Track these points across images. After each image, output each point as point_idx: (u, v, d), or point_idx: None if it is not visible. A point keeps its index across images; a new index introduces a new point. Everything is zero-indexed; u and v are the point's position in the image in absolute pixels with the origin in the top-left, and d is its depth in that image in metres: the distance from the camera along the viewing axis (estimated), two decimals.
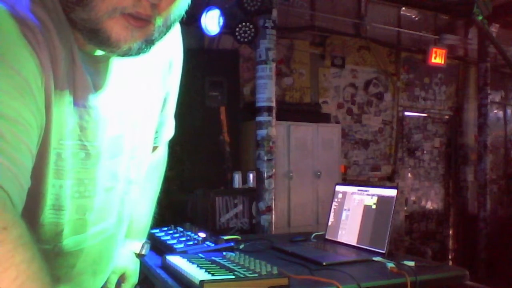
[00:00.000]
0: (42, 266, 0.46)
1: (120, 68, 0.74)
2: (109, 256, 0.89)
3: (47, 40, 0.59)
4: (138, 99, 0.80)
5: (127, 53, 0.64)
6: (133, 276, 1.15)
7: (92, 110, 0.69)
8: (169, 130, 1.04)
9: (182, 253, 1.67)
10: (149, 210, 1.18)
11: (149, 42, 0.66)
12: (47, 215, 0.68)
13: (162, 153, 1.17)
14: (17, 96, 0.53)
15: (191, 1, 0.71)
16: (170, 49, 0.87)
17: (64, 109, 0.63)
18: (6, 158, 0.49)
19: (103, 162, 0.74)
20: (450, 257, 7.03)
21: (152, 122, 0.87)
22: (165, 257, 1.60)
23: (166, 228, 2.09)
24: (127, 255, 1.11)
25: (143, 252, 1.15)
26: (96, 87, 0.69)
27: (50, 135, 0.62)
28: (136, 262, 1.16)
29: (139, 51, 0.65)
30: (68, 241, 0.73)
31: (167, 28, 0.67)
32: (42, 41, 0.58)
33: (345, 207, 2.12)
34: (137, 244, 1.14)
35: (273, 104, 4.00)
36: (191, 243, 1.81)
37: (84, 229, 0.76)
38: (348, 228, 2.06)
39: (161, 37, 0.67)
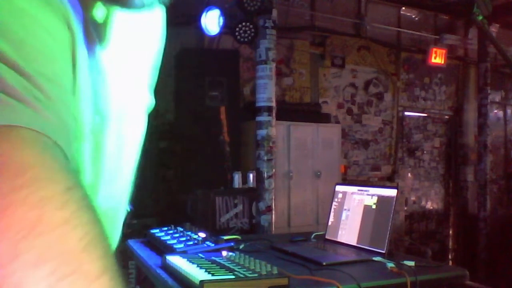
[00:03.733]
0: (103, 228, 0.45)
1: (115, 33, 0.75)
2: (119, 223, 0.89)
3: (70, 2, 0.59)
4: (132, 63, 0.81)
5: (138, 5, 0.65)
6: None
7: (103, 74, 0.70)
8: (148, 100, 1.07)
9: (182, 253, 1.67)
10: (131, 177, 1.20)
11: None
12: None
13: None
14: (53, 58, 0.52)
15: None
16: (153, 24, 0.90)
17: (83, 71, 0.64)
18: (58, 119, 0.47)
19: (111, 126, 0.75)
20: (450, 257, 7.03)
21: (143, 88, 0.89)
22: (165, 257, 1.60)
23: (166, 228, 2.09)
24: None
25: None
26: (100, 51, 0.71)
27: (76, 97, 0.62)
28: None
29: (151, 4, 0.66)
30: None
31: None
32: (66, 1, 0.57)
33: (345, 207, 2.12)
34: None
35: (273, 104, 4.00)
36: (191, 243, 1.82)
37: (96, 192, 0.76)
38: (348, 228, 2.06)
39: None
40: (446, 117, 7.08)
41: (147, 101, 0.97)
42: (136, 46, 0.84)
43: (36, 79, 0.47)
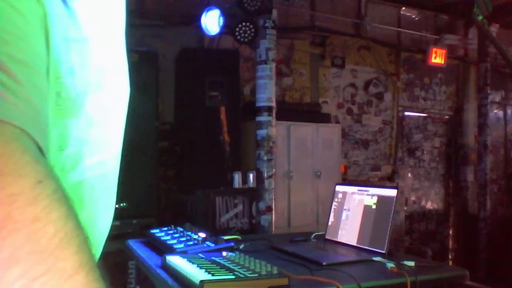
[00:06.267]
0: (77, 222, 0.43)
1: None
2: (114, 191, 0.88)
3: None
4: (109, 25, 0.79)
5: None
6: None
7: (81, 43, 0.67)
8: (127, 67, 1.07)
9: (182, 253, 1.67)
10: (120, 146, 1.20)
11: None
12: (53, 157, 0.67)
13: None
14: (23, 37, 0.48)
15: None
16: None
17: (59, 44, 0.60)
18: (27, 104, 0.44)
19: (92, 95, 0.73)
20: (450, 257, 7.03)
21: (121, 52, 0.87)
22: (165, 257, 1.60)
23: (166, 228, 2.09)
24: None
25: None
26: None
27: (49, 74, 0.58)
28: None
29: None
30: (69, 176, 0.73)
31: None
32: None
33: (345, 207, 2.12)
34: None
35: (273, 104, 3.99)
36: (191, 243, 1.82)
37: (80, 161, 0.75)
38: (348, 228, 2.06)
39: None
40: (446, 117, 7.08)
41: (126, 68, 0.93)
42: (110, 7, 0.81)
43: (5, 63, 0.44)
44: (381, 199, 1.95)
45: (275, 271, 1.40)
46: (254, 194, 4.04)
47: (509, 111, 7.58)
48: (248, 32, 3.90)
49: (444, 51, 6.22)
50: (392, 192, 1.93)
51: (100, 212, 0.81)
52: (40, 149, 0.44)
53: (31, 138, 0.43)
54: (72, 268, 0.40)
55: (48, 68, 0.56)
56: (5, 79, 0.44)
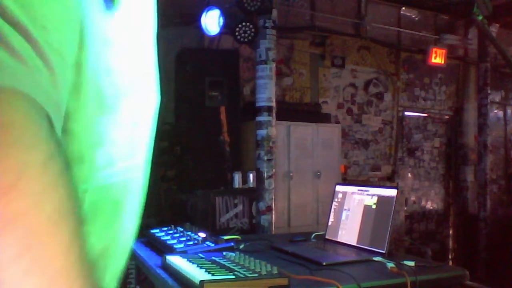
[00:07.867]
0: (77, 203, 0.43)
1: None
2: (138, 199, 0.88)
3: None
4: (139, 33, 0.82)
5: None
6: None
7: (114, 43, 0.69)
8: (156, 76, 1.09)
9: (182, 253, 1.67)
10: (149, 152, 1.23)
11: None
12: (89, 155, 0.68)
13: None
14: (61, 27, 0.50)
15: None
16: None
17: (97, 43, 0.62)
18: (54, 89, 0.46)
19: (124, 101, 0.74)
20: (450, 257, 7.03)
21: (151, 61, 0.89)
22: (165, 257, 1.60)
23: (166, 228, 2.09)
24: None
25: None
26: None
27: (87, 71, 0.61)
28: None
29: None
30: (99, 175, 0.73)
31: None
32: None
33: (345, 207, 2.12)
34: None
35: (273, 104, 4.00)
36: (191, 243, 1.82)
37: (112, 163, 0.76)
38: (348, 228, 2.06)
39: None
40: (446, 117, 7.08)
41: (155, 77, 0.94)
42: (142, 13, 0.82)
43: (42, 48, 0.46)
44: (381, 199, 1.95)
45: (275, 271, 1.40)
46: (254, 194, 4.04)
47: (509, 111, 7.58)
48: (248, 32, 3.90)
49: (444, 51, 6.22)
50: (392, 192, 1.93)
51: (123, 221, 0.80)
52: (54, 130, 0.45)
53: (50, 119, 0.44)
54: (62, 247, 0.39)
55: (80, 62, 0.57)
56: (40, 64, 0.45)
